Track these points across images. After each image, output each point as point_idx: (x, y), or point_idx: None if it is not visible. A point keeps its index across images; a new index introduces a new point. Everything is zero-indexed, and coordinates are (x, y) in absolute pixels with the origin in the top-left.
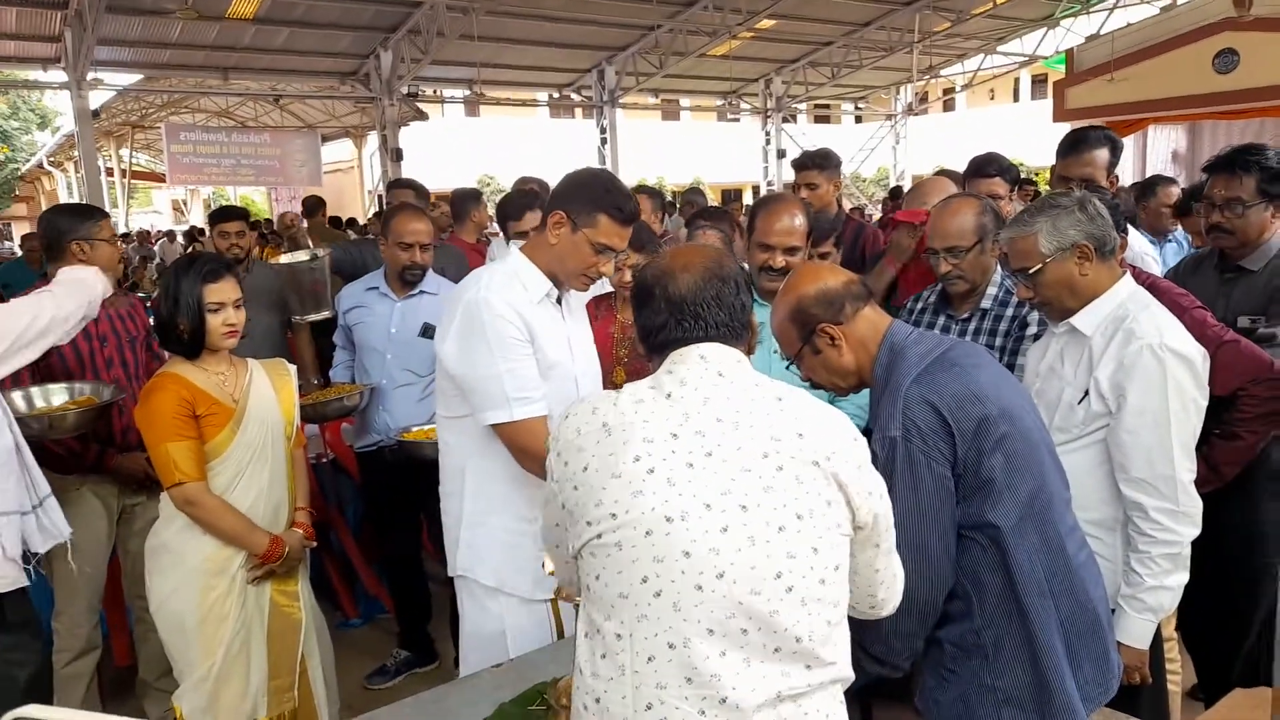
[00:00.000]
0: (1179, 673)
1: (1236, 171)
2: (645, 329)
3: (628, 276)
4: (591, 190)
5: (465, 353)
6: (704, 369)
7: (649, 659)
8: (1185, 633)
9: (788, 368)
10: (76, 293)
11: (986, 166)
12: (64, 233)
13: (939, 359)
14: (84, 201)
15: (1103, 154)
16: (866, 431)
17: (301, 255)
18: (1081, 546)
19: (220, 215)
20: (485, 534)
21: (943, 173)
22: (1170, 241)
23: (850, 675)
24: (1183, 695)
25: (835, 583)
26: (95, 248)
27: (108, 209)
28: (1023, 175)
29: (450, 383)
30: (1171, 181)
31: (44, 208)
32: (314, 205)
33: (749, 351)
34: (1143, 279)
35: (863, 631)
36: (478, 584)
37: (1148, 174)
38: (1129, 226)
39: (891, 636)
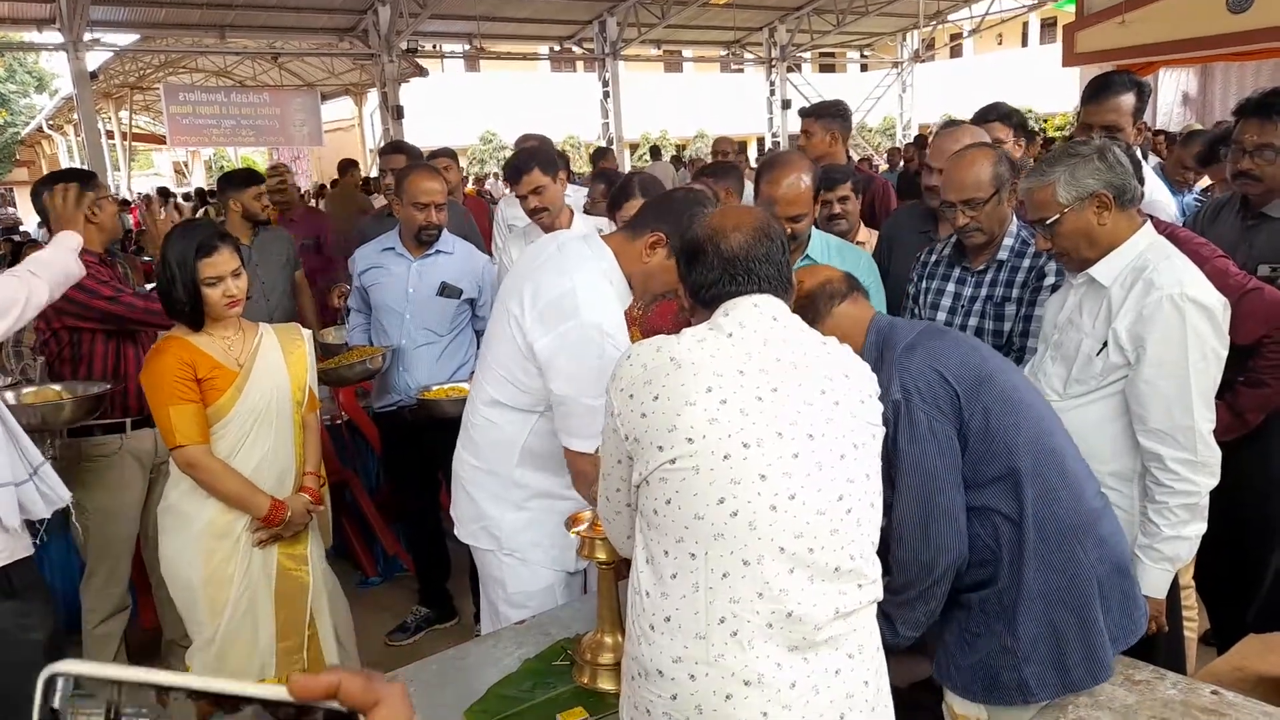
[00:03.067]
0: (1195, 620)
1: (1273, 117)
2: (697, 284)
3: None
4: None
5: (575, 377)
6: (759, 314)
7: (724, 575)
8: (1200, 580)
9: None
10: (55, 278)
11: (988, 113)
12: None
13: (926, 330)
14: (86, 166)
15: (1128, 99)
16: None
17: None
18: (1098, 494)
19: (244, 180)
20: (530, 515)
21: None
22: (1189, 192)
23: (881, 595)
24: (1198, 641)
25: (879, 507)
26: (103, 207)
27: (109, 172)
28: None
29: (525, 376)
30: (1201, 144)
31: (45, 172)
32: (345, 166)
33: (792, 307)
34: (1161, 228)
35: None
36: (522, 555)
37: (1158, 117)
38: (1149, 171)
39: (918, 602)
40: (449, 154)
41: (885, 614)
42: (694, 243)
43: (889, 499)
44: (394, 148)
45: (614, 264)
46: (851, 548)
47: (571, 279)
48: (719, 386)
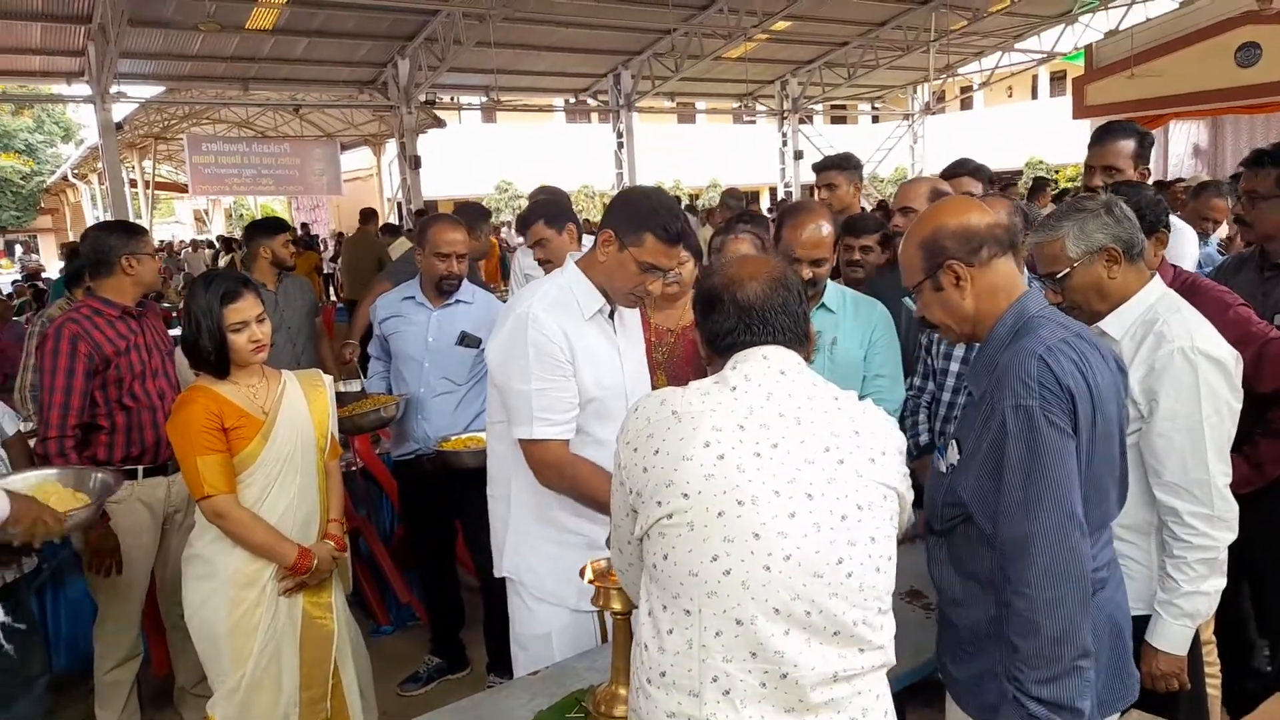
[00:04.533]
0: (1218, 676)
1: (1262, 166)
2: (713, 333)
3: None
4: (638, 209)
5: (506, 364)
6: (766, 367)
7: (716, 634)
8: (1217, 634)
9: (904, 299)
10: None
11: (958, 169)
12: (113, 249)
13: (1072, 339)
14: (110, 214)
15: (1128, 144)
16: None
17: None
18: (1107, 563)
19: (275, 228)
20: (529, 543)
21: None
22: (1203, 245)
23: (893, 660)
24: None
25: (887, 572)
26: (142, 262)
27: (131, 219)
28: (1042, 173)
29: (497, 391)
30: (1219, 193)
31: (69, 220)
32: (367, 215)
33: (807, 358)
34: (1184, 277)
35: (1025, 669)
36: (524, 587)
37: (1169, 169)
38: (1176, 221)
39: (1081, 659)
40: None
41: (1028, 693)
42: (710, 291)
43: None
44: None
45: (579, 278)
46: (853, 613)
47: (531, 297)
48: (717, 441)
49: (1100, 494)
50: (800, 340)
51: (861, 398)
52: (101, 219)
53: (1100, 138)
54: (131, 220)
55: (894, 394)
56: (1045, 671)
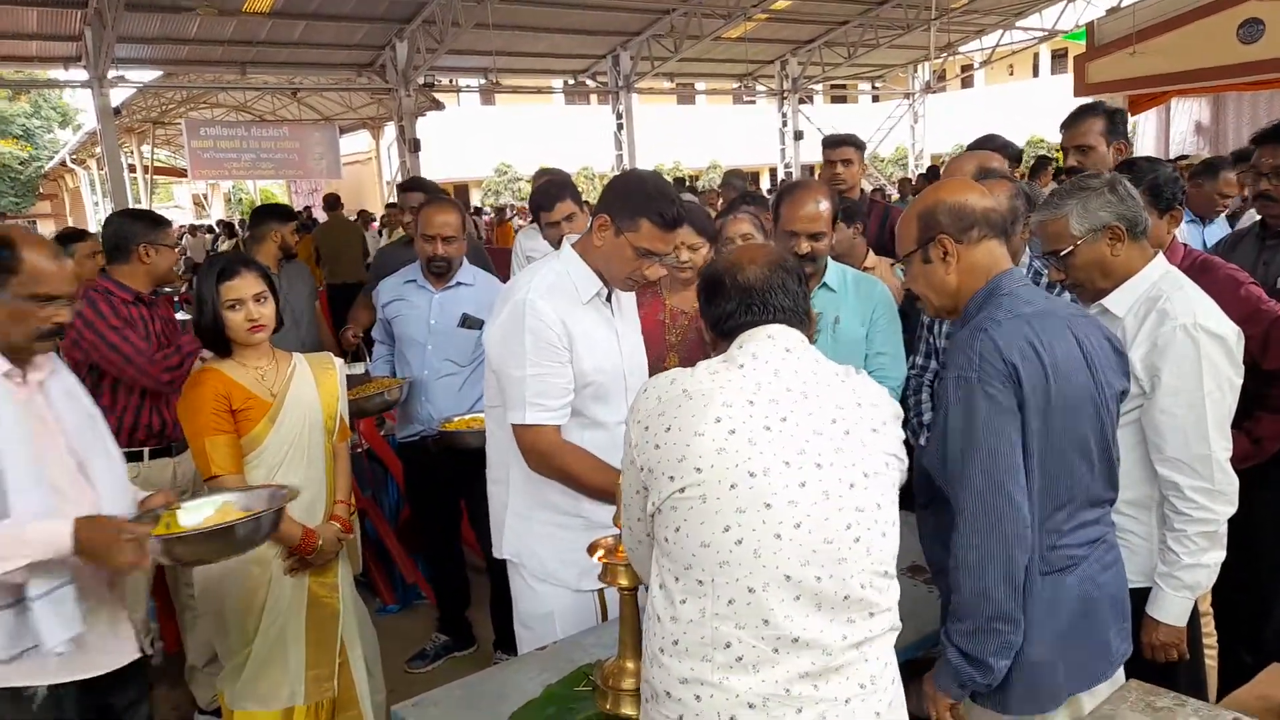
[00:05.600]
0: (1215, 646)
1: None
2: (715, 316)
3: (684, 255)
4: (634, 195)
5: (503, 349)
6: (772, 346)
7: (729, 602)
8: (1214, 607)
9: (893, 265)
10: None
11: (984, 144)
12: (134, 235)
13: (1031, 315)
14: (109, 199)
15: (1097, 122)
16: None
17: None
18: (1088, 542)
19: (286, 214)
20: (529, 525)
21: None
22: (1213, 224)
23: (899, 624)
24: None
25: (892, 537)
26: (160, 253)
27: (130, 204)
28: (1043, 152)
29: (494, 375)
30: (1231, 167)
31: (68, 206)
32: (332, 202)
33: (810, 337)
34: (1195, 256)
35: (952, 620)
36: (525, 569)
37: (1171, 148)
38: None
39: (996, 620)
40: (278, 213)
41: (960, 650)
42: (712, 277)
43: None
44: (412, 184)
45: (576, 261)
46: (861, 576)
47: (529, 282)
48: (728, 417)
49: (1064, 468)
50: (801, 319)
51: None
52: (100, 205)
53: (1070, 120)
54: (141, 208)
55: (896, 371)
56: (968, 624)
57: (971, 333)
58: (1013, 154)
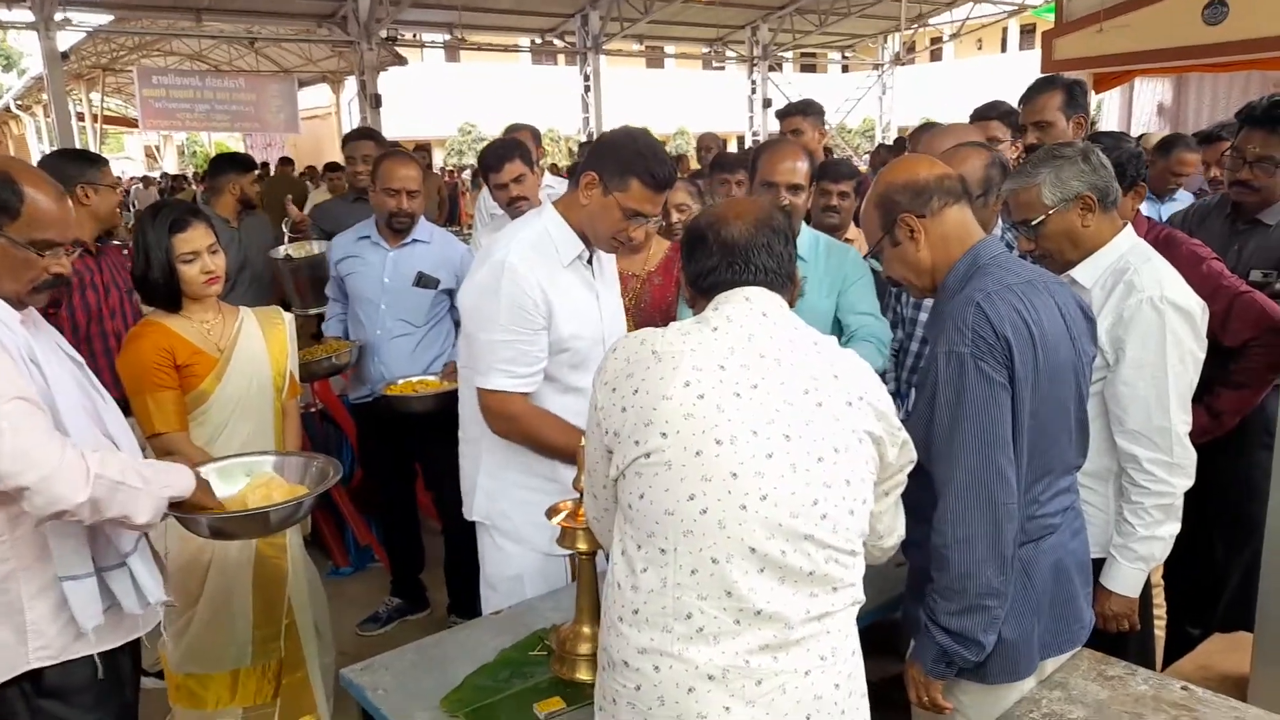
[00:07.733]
0: (1164, 617)
1: (1278, 129)
2: (696, 272)
3: (674, 217)
4: (625, 153)
5: (477, 310)
6: (749, 308)
7: (691, 572)
8: (1165, 579)
9: (866, 256)
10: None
11: (989, 111)
12: (69, 178)
13: (1018, 285)
14: (55, 147)
15: (1055, 97)
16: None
17: (312, 247)
18: (1062, 510)
19: (246, 164)
20: (502, 488)
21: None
22: (1171, 201)
23: (863, 598)
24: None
25: (861, 515)
26: (99, 193)
27: None
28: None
29: (465, 337)
30: (1190, 148)
31: (12, 153)
32: (286, 161)
33: (791, 301)
34: (1158, 230)
35: (937, 600)
36: (496, 530)
37: (1133, 127)
38: None
39: (986, 597)
40: (237, 162)
41: (943, 627)
42: (695, 230)
43: None
44: (361, 134)
45: (557, 221)
46: (826, 552)
47: (508, 243)
48: (697, 381)
49: (1048, 440)
50: (783, 283)
51: (850, 336)
52: (48, 153)
53: (1028, 95)
54: (75, 148)
55: (881, 329)
56: (955, 604)
57: (962, 305)
58: (1014, 123)
